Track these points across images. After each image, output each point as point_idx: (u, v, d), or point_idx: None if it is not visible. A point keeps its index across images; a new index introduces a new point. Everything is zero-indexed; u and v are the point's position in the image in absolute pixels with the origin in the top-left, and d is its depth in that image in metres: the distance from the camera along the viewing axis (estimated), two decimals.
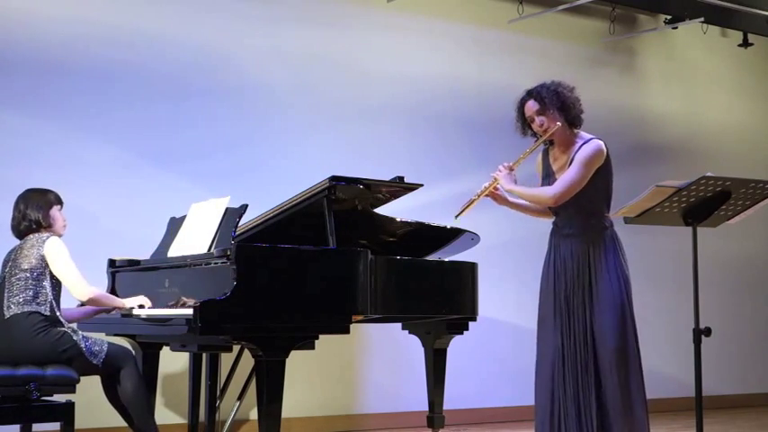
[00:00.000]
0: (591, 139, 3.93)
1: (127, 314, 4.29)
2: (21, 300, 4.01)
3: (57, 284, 4.12)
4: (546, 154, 4.08)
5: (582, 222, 3.91)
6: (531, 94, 3.97)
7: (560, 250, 3.94)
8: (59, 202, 4.28)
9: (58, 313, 4.08)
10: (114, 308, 4.28)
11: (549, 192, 3.87)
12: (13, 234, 4.27)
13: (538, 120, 3.93)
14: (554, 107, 3.91)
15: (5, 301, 4.03)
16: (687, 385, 3.73)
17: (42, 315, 4.01)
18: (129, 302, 4.26)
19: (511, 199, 4.05)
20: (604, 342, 3.78)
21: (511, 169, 3.93)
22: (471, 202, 3.91)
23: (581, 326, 3.83)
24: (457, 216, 3.93)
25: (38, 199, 4.21)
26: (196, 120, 5.86)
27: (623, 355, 3.78)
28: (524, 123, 4.01)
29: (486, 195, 3.96)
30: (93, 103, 5.56)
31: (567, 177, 3.84)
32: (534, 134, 4.02)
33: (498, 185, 3.95)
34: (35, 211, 4.18)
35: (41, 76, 5.43)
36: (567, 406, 3.81)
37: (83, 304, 4.36)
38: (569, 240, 3.91)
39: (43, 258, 4.06)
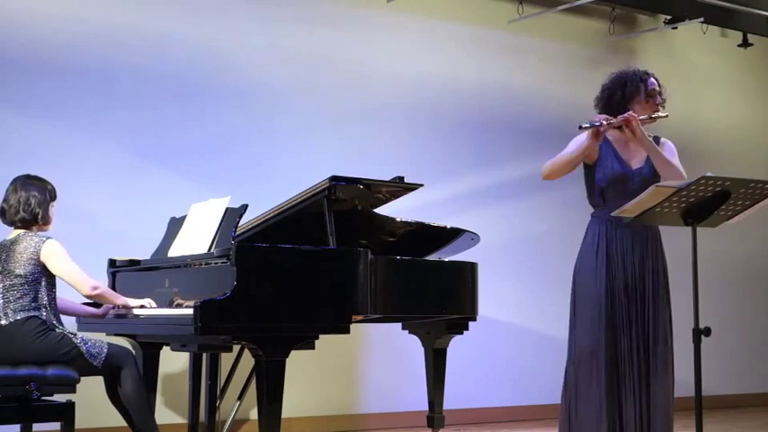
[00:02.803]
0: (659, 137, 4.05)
1: (127, 314, 4.29)
2: (18, 306, 3.96)
3: (53, 286, 4.09)
4: (608, 142, 3.98)
5: None
6: (652, 74, 4.13)
7: (617, 238, 3.87)
8: (55, 197, 4.20)
9: (53, 315, 4.05)
10: (117, 305, 4.26)
11: (680, 168, 3.93)
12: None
13: (659, 98, 4.10)
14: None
15: (2, 309, 3.98)
16: (687, 385, 3.71)
17: (40, 319, 3.97)
18: (133, 302, 4.26)
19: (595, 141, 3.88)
20: (662, 332, 3.84)
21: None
22: (603, 124, 3.80)
23: (642, 313, 3.85)
24: (581, 127, 3.78)
25: (40, 192, 4.12)
26: (196, 120, 5.86)
27: (670, 343, 3.87)
28: (628, 96, 4.03)
29: (614, 127, 3.87)
30: (94, 102, 5.56)
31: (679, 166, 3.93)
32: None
33: (634, 124, 3.88)
34: (36, 207, 4.08)
35: (41, 76, 5.43)
36: (625, 402, 3.78)
37: (88, 304, 4.37)
38: (630, 230, 3.86)
39: (39, 262, 4.00)
